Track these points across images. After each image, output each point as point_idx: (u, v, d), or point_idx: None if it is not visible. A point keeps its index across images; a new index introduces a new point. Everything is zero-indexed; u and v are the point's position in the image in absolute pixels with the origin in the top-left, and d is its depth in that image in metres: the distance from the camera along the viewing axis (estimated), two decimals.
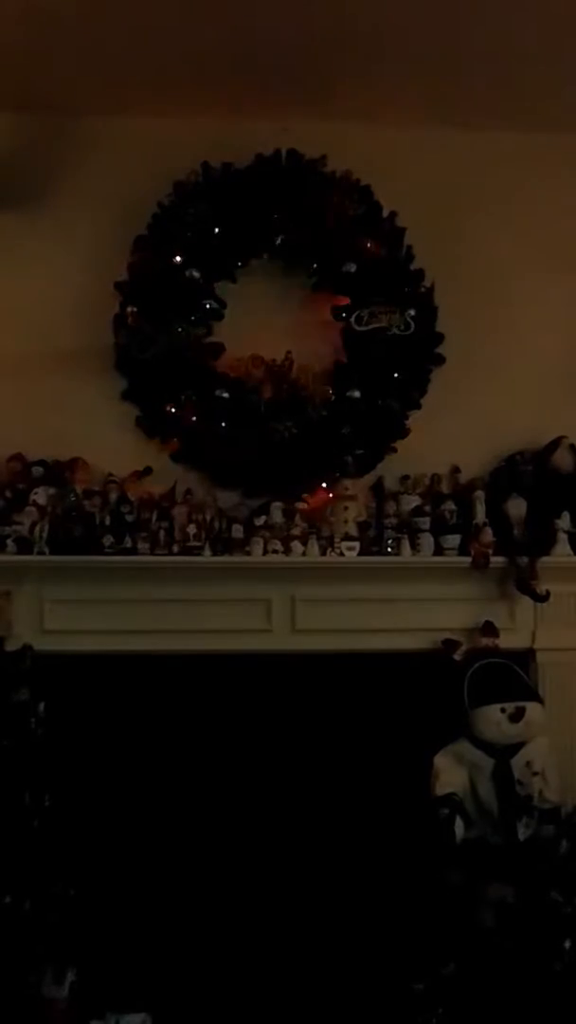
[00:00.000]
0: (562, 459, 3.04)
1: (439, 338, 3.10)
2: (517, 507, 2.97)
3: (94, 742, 2.81)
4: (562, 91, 2.97)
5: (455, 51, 2.81)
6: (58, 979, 2.47)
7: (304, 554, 2.89)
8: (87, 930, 2.57)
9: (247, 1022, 2.68)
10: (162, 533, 2.86)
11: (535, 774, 2.79)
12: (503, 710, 2.80)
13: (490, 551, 2.91)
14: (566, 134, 3.16)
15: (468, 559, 2.92)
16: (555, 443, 3.05)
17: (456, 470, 3.07)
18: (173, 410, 3.00)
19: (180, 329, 2.97)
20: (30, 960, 2.46)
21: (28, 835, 2.54)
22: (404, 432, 3.08)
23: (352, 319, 3.03)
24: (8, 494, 2.89)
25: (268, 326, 3.04)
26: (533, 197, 3.19)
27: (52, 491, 2.88)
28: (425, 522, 2.94)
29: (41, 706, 2.67)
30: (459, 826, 2.72)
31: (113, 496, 2.90)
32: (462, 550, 2.93)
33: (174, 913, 2.78)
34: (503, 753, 2.80)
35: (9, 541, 2.81)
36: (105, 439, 2.97)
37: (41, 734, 2.64)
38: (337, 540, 2.90)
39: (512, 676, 2.89)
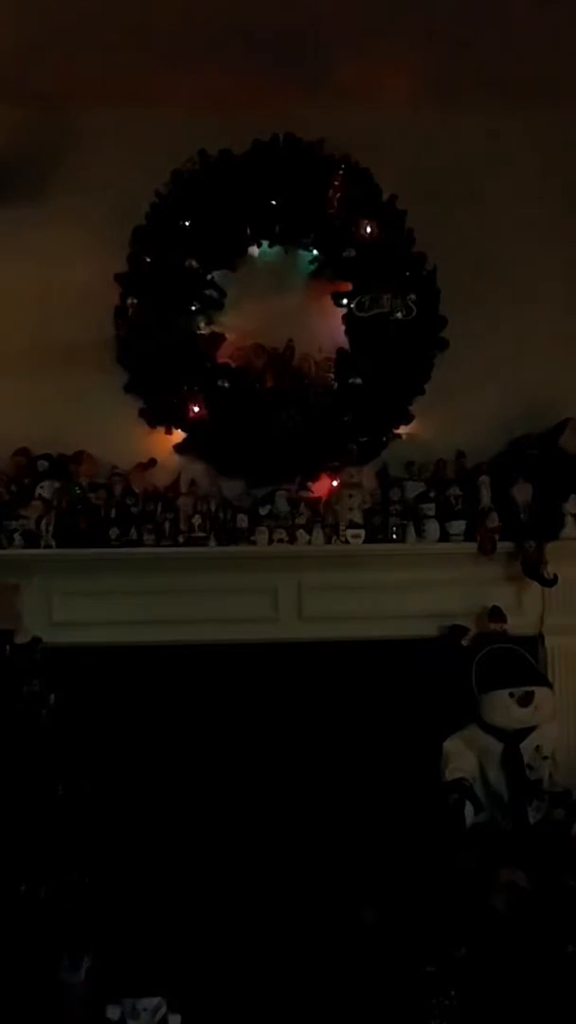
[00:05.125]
0: (569, 441, 2.99)
1: (442, 322, 3.07)
2: (523, 491, 2.94)
3: (105, 732, 2.83)
4: (561, 69, 2.92)
5: (453, 30, 2.77)
6: (74, 964, 2.51)
7: (309, 542, 2.89)
8: (102, 916, 2.61)
9: (261, 1005, 2.71)
10: (167, 524, 2.88)
11: (545, 758, 2.79)
12: (512, 695, 2.79)
13: (496, 536, 2.90)
14: (565, 113, 3.10)
15: (474, 544, 2.91)
16: (562, 425, 3.01)
17: (461, 455, 3.05)
18: (175, 401, 3.00)
19: (180, 320, 2.97)
20: (47, 946, 2.50)
21: (42, 824, 2.58)
22: (408, 418, 3.07)
23: (353, 305, 3.02)
24: (14, 488, 2.92)
25: (269, 314, 3.03)
26: (534, 177, 3.15)
27: (57, 485, 2.92)
28: (430, 508, 2.93)
29: (52, 697, 2.71)
30: (469, 811, 2.73)
31: (118, 488, 2.93)
32: (468, 535, 2.92)
33: (188, 898, 2.80)
34: (512, 738, 2.79)
35: (16, 535, 2.85)
36: (109, 432, 2.99)
37: (52, 725, 2.68)
38: (342, 527, 2.90)
39: (520, 661, 2.88)
